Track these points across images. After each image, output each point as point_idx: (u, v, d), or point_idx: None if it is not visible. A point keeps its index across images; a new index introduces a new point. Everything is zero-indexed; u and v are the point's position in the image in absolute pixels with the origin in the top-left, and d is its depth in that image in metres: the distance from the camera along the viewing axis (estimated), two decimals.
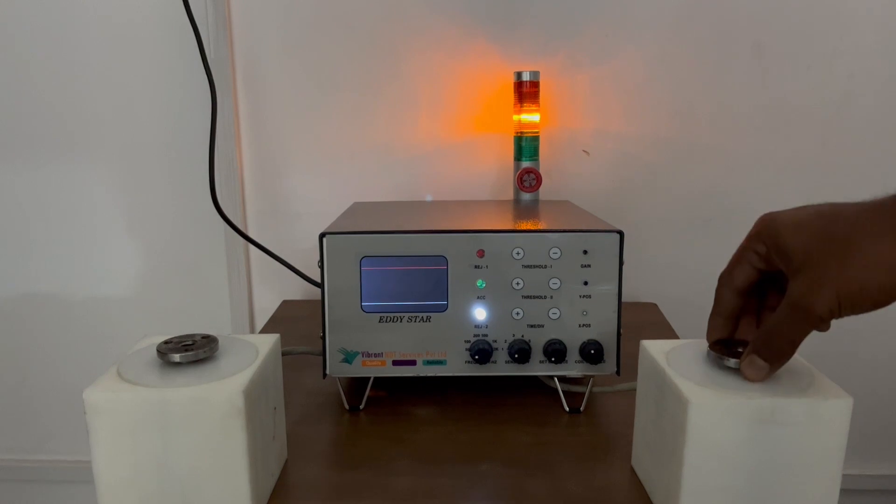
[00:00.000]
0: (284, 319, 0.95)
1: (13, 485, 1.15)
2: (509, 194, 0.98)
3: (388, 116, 0.98)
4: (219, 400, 0.47)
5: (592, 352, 0.64)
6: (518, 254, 0.64)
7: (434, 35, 0.95)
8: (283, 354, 0.67)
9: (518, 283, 0.64)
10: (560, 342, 0.64)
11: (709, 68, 0.94)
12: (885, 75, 0.93)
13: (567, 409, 0.67)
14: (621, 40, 0.94)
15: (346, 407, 0.68)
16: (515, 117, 0.91)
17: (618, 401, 0.69)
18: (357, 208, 0.84)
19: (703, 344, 0.52)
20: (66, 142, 1.00)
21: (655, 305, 0.98)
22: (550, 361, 0.64)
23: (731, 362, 0.48)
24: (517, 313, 0.65)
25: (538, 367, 0.65)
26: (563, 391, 0.68)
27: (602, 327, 0.65)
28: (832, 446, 0.46)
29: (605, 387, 0.69)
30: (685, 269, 1.01)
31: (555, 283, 0.64)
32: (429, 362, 0.65)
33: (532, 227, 0.66)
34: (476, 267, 0.64)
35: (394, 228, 0.65)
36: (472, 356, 0.64)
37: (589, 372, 0.65)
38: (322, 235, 0.64)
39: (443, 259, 0.64)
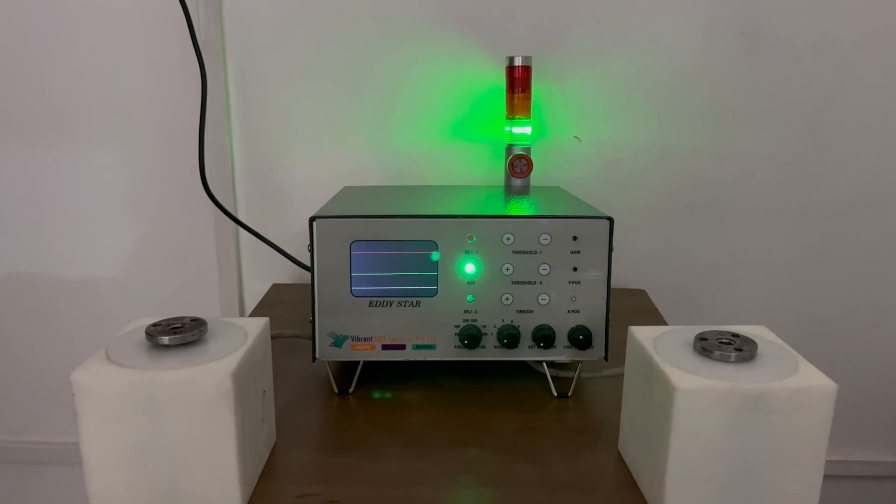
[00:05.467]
0: (274, 303, 0.95)
1: (1, 466, 1.15)
2: (500, 180, 0.98)
3: (380, 100, 0.98)
4: (207, 382, 0.47)
5: (581, 337, 0.64)
6: (508, 239, 0.64)
7: (427, 21, 0.94)
8: (273, 338, 0.67)
9: (508, 269, 0.64)
10: (549, 328, 0.64)
11: (697, 57, 0.94)
12: (873, 66, 0.94)
13: (555, 394, 0.68)
14: (611, 30, 0.94)
15: (335, 391, 0.68)
16: (507, 102, 0.91)
17: (605, 386, 0.70)
18: (348, 192, 0.84)
19: (691, 331, 0.53)
20: (55, 124, 0.99)
21: (644, 292, 0.99)
22: (539, 347, 0.65)
23: (717, 351, 0.48)
24: (507, 299, 0.65)
25: (527, 353, 0.65)
26: (551, 376, 0.69)
27: (591, 313, 0.65)
28: (816, 433, 0.46)
29: (593, 372, 0.69)
30: (674, 257, 1.02)
31: (544, 269, 0.64)
32: (418, 347, 0.65)
33: (522, 213, 0.66)
34: (466, 252, 0.64)
35: (384, 213, 0.65)
36: (462, 341, 0.64)
37: (577, 357, 0.66)
38: (312, 219, 0.63)
39: (433, 244, 0.64)
